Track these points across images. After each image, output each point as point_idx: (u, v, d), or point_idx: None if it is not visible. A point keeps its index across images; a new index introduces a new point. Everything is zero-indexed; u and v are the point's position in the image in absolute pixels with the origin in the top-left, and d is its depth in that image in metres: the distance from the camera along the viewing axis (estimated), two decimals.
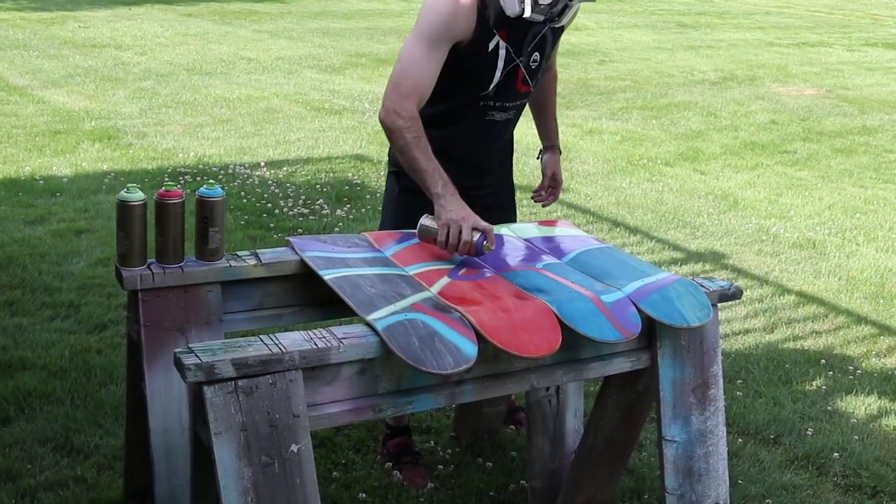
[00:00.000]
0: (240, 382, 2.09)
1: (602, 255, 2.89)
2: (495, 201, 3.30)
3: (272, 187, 6.62)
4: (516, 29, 2.91)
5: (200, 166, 7.07)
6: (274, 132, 8.30)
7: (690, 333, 2.71)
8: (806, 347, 4.62)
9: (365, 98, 9.96)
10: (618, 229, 6.21)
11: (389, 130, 2.82)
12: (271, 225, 5.86)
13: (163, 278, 2.57)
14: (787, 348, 4.59)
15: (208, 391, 2.07)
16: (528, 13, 2.81)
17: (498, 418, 3.66)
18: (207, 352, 2.09)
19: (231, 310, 2.70)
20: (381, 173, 7.17)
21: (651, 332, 2.67)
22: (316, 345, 2.18)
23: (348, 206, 6.32)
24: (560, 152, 3.49)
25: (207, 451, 2.13)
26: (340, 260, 2.69)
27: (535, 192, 3.45)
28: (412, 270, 2.66)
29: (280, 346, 2.15)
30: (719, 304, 2.79)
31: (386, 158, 3.42)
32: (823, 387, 4.22)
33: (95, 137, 7.74)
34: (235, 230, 5.66)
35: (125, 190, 2.56)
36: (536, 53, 3.02)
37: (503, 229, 3.11)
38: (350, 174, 7.10)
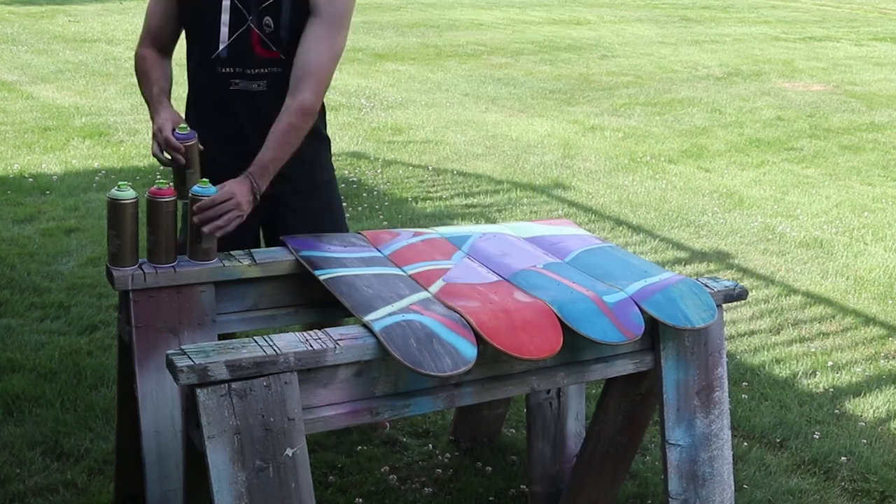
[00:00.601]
0: (233, 385, 2.09)
1: (604, 255, 2.89)
2: (301, 204, 3.10)
3: None
4: None
5: None
6: None
7: (694, 335, 2.71)
8: (813, 349, 4.62)
9: (361, 94, 9.95)
10: (620, 228, 6.21)
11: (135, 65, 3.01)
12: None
13: (155, 278, 2.57)
14: (793, 350, 4.59)
15: (201, 394, 2.07)
16: None
17: (498, 422, 3.66)
18: (200, 353, 2.09)
19: (224, 311, 2.70)
20: (378, 170, 7.17)
21: (654, 334, 2.67)
22: (311, 346, 2.18)
23: (344, 204, 6.32)
24: (252, 182, 2.75)
25: (200, 455, 2.13)
26: (336, 259, 2.69)
27: None
28: (410, 270, 2.66)
29: (275, 347, 2.15)
30: (724, 305, 2.79)
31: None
32: (831, 389, 4.22)
33: (86, 134, 7.74)
34: None
35: (116, 188, 2.56)
36: (268, 17, 2.87)
37: (503, 228, 3.11)
38: (346, 172, 7.10)
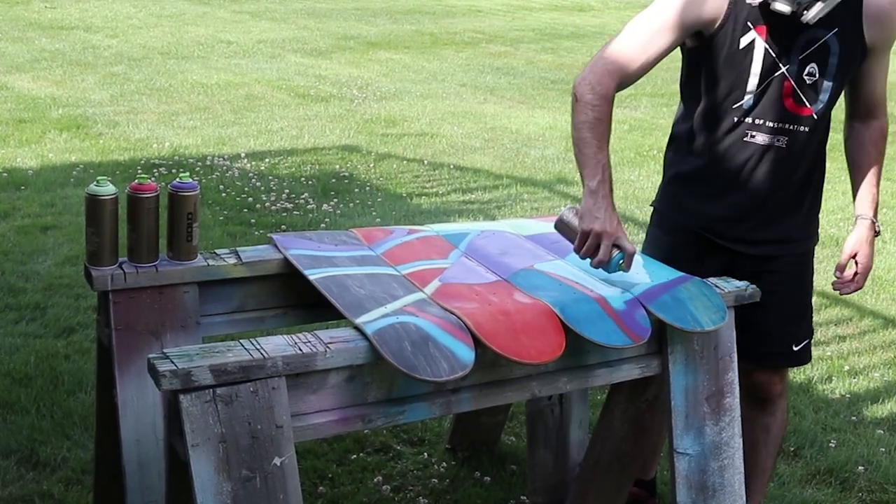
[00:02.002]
0: (218, 390, 2.09)
1: None
2: (780, 268, 2.93)
3: (253, 180, 6.61)
4: (780, 26, 2.65)
5: (176, 158, 7.06)
6: (255, 121, 8.30)
7: (704, 338, 2.71)
8: (828, 353, 4.62)
9: (353, 84, 9.96)
10: (626, 225, 6.21)
11: (576, 99, 2.67)
12: (252, 221, 5.86)
13: (135, 278, 2.57)
14: None
15: (185, 400, 2.07)
16: None
17: (496, 429, 3.66)
18: (184, 357, 2.09)
19: (209, 312, 2.70)
20: (371, 165, 7.17)
21: (661, 337, 2.67)
22: (301, 350, 2.18)
23: (335, 200, 6.32)
24: (875, 228, 2.91)
25: (184, 464, 2.12)
26: (327, 258, 2.69)
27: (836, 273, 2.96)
28: (404, 270, 2.66)
29: (262, 351, 2.15)
30: (735, 307, 2.79)
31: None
32: (847, 395, 4.23)
33: (63, 126, 7.74)
34: (214, 226, 5.66)
35: (95, 183, 2.56)
36: (813, 65, 2.69)
37: (502, 225, 3.11)
38: (337, 166, 7.10)
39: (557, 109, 9.22)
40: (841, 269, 2.92)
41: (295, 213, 6.04)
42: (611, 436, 2.95)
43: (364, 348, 2.23)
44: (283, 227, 5.75)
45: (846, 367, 4.46)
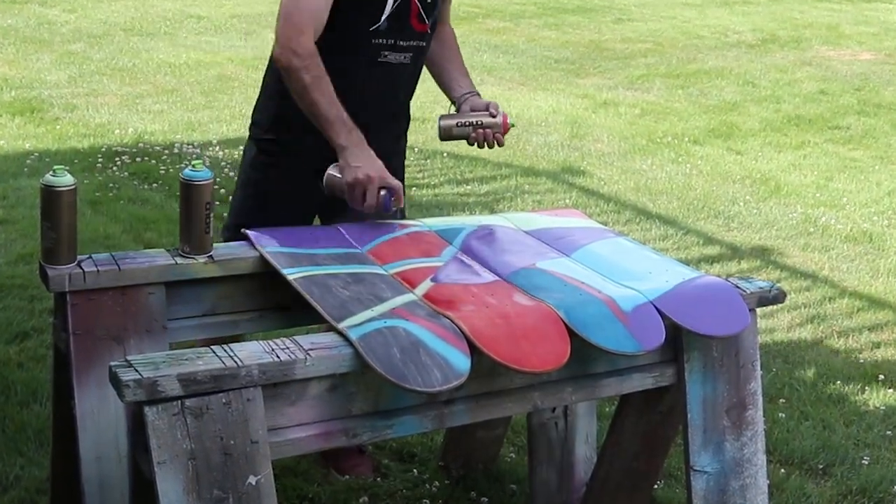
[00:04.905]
0: (187, 402, 2.09)
1: (619, 251, 2.89)
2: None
3: (226, 170, 6.60)
4: None
5: (140, 145, 7.05)
6: (228, 104, 8.29)
7: (724, 344, 2.71)
8: (861, 361, 4.63)
9: None
10: (637, 219, 6.23)
11: (286, 71, 2.93)
12: (225, 215, 5.84)
13: (96, 278, 2.57)
14: (838, 362, 4.60)
15: (150, 412, 2.07)
16: None
17: (495, 445, 3.66)
18: (149, 365, 2.09)
19: (177, 315, 2.70)
20: None
21: (677, 343, 2.67)
22: (278, 357, 2.18)
23: None
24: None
25: (149, 483, 2.13)
26: (307, 256, 2.69)
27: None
28: (392, 269, 2.67)
29: (235, 358, 2.15)
30: (758, 310, 2.80)
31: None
32: (882, 408, 4.23)
33: (16, 110, 7.72)
34: None
35: (51, 173, 2.56)
36: None
37: (501, 220, 3.11)
38: None
39: (562, 92, 9.23)
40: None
41: None
42: (621, 452, 2.95)
43: (348, 355, 2.23)
44: None
45: (881, 377, 4.47)
